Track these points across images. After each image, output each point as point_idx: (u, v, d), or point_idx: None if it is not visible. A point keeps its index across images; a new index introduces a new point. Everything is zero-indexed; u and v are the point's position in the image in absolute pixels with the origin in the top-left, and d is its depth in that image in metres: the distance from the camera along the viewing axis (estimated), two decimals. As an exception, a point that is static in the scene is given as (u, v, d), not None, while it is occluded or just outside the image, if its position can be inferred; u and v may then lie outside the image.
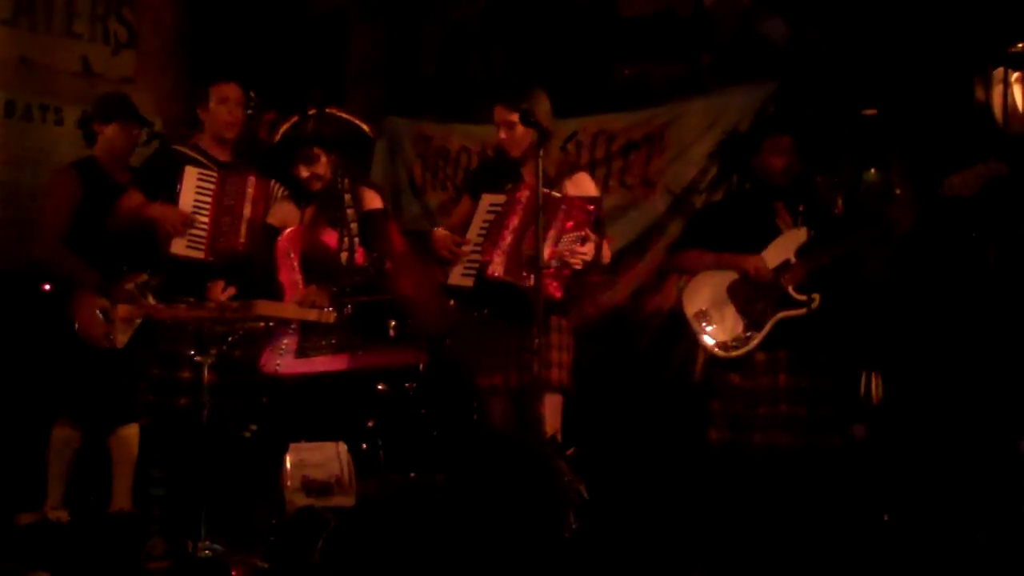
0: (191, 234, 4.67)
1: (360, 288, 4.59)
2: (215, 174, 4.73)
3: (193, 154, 4.82)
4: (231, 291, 4.65)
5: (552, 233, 4.32)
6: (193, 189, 4.69)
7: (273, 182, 4.80)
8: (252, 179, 4.72)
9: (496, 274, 4.39)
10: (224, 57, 6.36)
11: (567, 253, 4.34)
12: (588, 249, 4.37)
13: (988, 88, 5.15)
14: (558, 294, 4.34)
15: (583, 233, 4.36)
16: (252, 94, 4.95)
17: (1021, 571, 4.22)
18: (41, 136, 6.21)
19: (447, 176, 6.69)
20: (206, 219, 4.68)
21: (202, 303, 4.43)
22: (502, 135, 4.55)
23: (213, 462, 4.34)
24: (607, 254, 4.56)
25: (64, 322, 4.94)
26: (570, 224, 4.35)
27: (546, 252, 4.23)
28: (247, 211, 4.70)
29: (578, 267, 4.39)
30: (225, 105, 4.79)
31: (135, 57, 6.59)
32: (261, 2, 6.97)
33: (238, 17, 6.78)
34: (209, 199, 4.69)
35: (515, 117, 4.46)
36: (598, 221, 4.48)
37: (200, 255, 4.67)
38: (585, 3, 6.66)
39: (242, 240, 4.69)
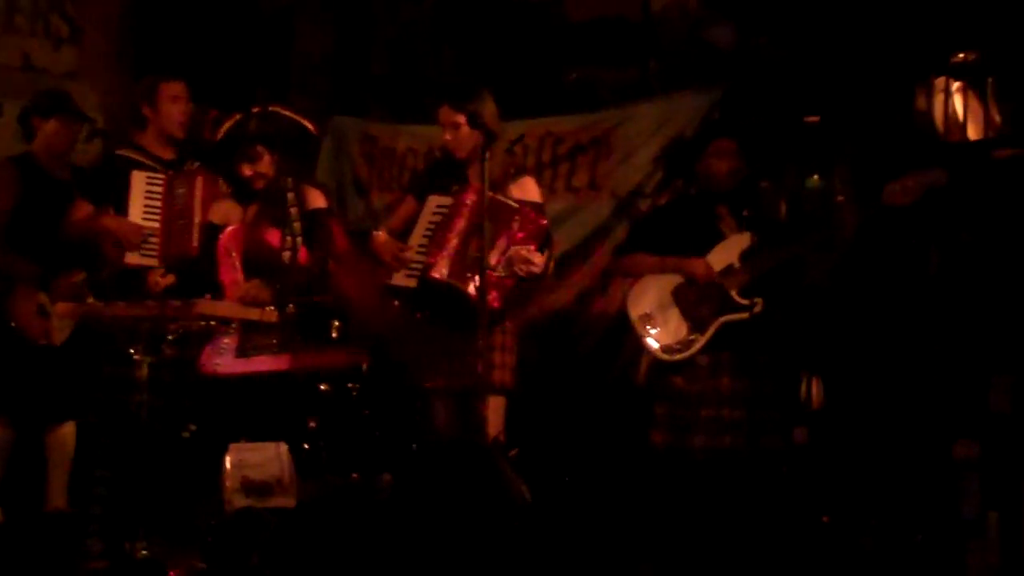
0: (144, 242, 4.64)
1: (303, 288, 4.56)
2: (163, 177, 4.68)
3: (138, 157, 4.78)
4: (170, 278, 4.60)
5: (501, 242, 4.32)
6: (142, 195, 4.66)
7: (220, 180, 4.76)
8: (200, 180, 4.68)
9: (439, 276, 4.37)
10: (170, 54, 6.30)
11: (516, 261, 4.34)
12: (538, 261, 4.37)
13: (930, 97, 5.22)
14: (496, 304, 4.33)
15: (532, 246, 4.36)
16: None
17: (958, 573, 4.28)
18: (-22, 130, 6.12)
19: (393, 177, 6.66)
20: (157, 224, 4.65)
21: (142, 301, 4.38)
22: (447, 136, 4.54)
23: (152, 461, 4.30)
24: (550, 268, 4.57)
25: (1, 319, 4.87)
26: (521, 235, 4.36)
27: (492, 258, 4.23)
28: (197, 213, 4.66)
29: (523, 276, 4.39)
30: (177, 104, 4.75)
31: (78, 52, 6.52)
32: (209, -2, 6.92)
33: (185, 13, 6.72)
34: (159, 203, 4.66)
35: (461, 118, 4.46)
36: (548, 235, 4.49)
37: (154, 262, 4.65)
38: (535, 6, 6.67)
39: (195, 244, 4.65)
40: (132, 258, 4.63)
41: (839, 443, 4.99)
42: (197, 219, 4.65)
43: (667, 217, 4.88)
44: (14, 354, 4.90)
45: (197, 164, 4.81)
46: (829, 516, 4.69)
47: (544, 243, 4.43)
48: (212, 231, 4.64)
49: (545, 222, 4.46)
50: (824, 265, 4.50)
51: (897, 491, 4.68)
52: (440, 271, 4.36)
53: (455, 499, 3.80)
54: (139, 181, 4.66)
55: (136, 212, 4.64)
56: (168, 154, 4.79)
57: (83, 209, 4.69)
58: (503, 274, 4.33)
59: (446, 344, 4.47)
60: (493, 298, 4.28)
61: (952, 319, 4.86)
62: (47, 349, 4.88)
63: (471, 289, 4.29)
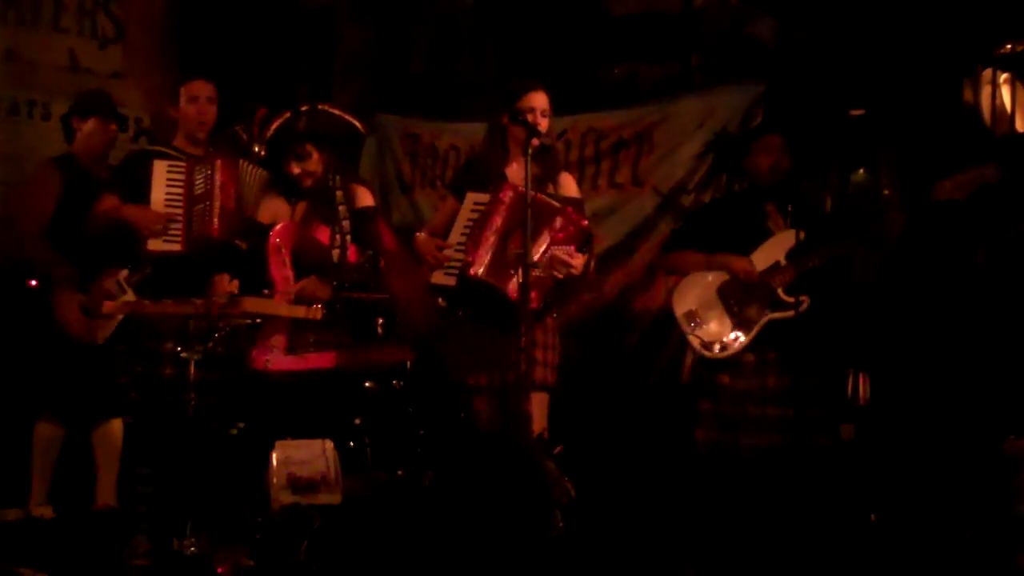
0: (167, 229, 4.63)
1: (356, 285, 4.57)
2: (183, 164, 4.67)
3: (164, 149, 4.78)
4: (235, 284, 4.60)
5: (542, 241, 4.31)
6: (164, 182, 4.64)
7: (244, 163, 4.74)
8: (219, 163, 4.65)
9: (477, 274, 4.36)
10: (213, 52, 6.34)
11: (556, 264, 4.33)
12: (577, 264, 4.36)
13: (976, 89, 5.17)
14: (535, 304, 4.31)
15: (572, 247, 4.35)
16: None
17: (1007, 571, 4.22)
18: (28, 131, 6.18)
19: (435, 175, 6.68)
20: (180, 211, 4.63)
21: (188, 299, 4.40)
22: (544, 122, 4.47)
23: (199, 459, 4.32)
24: (591, 268, 4.55)
25: (46, 318, 4.92)
26: (562, 236, 4.34)
27: (534, 256, 4.22)
28: (218, 197, 4.63)
29: (560, 278, 4.38)
30: (195, 104, 4.74)
31: (123, 52, 6.57)
32: (251, -2, 6.96)
33: (227, 12, 6.75)
34: (180, 190, 4.64)
35: (548, 105, 4.46)
36: (589, 236, 4.47)
37: (177, 247, 4.63)
38: (575, 2, 6.65)
39: (215, 227, 4.63)
40: (155, 244, 4.61)
41: (887, 440, 4.95)
42: (218, 202, 4.62)
43: (715, 214, 4.86)
44: (59, 353, 4.94)
45: (223, 152, 4.78)
46: (877, 514, 4.64)
47: (584, 244, 4.41)
48: (261, 229, 4.65)
49: (586, 223, 4.44)
50: (872, 262, 4.45)
51: (946, 489, 4.63)
52: (477, 269, 4.35)
53: (499, 496, 3.80)
54: (160, 170, 4.66)
55: (158, 200, 4.63)
56: (196, 151, 4.78)
57: (107, 202, 4.69)
58: (542, 274, 4.32)
59: (488, 341, 4.46)
60: (533, 298, 4.26)
61: (1000, 314, 4.81)
62: (91, 347, 4.91)
63: (511, 287, 4.27)
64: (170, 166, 4.67)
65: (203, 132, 4.78)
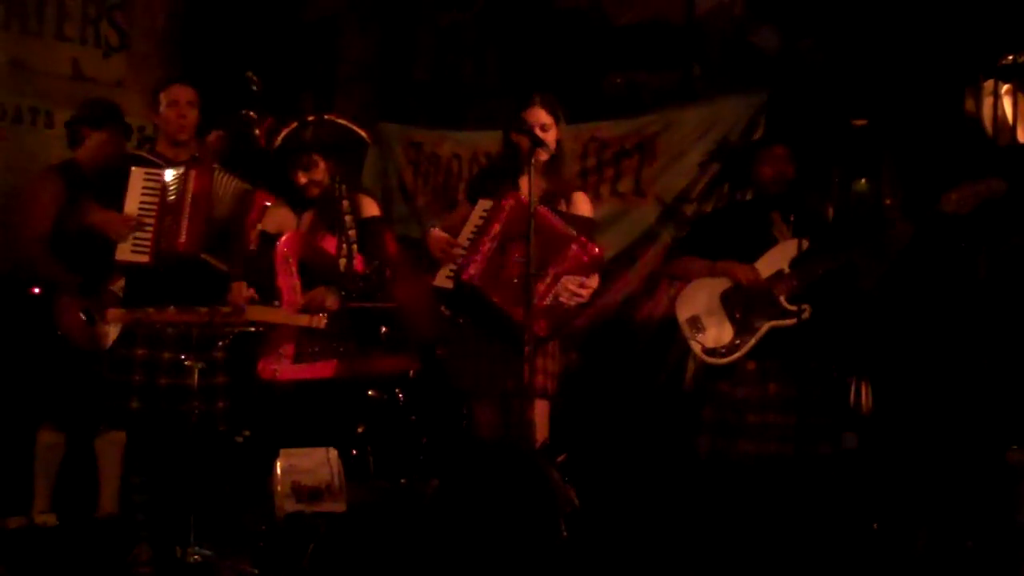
0: (137, 238, 4.53)
1: (363, 294, 4.57)
2: (159, 172, 4.60)
3: (144, 155, 4.75)
4: (251, 293, 4.58)
5: (554, 270, 4.30)
6: (139, 190, 4.56)
7: (219, 172, 4.64)
8: (193, 173, 4.58)
9: (470, 279, 4.34)
10: (216, 61, 6.35)
11: (564, 294, 4.33)
12: (585, 293, 4.36)
13: (978, 99, 5.18)
14: (543, 333, 4.31)
15: (584, 278, 4.35)
16: (254, 78, 4.86)
17: (1010, 580, 4.23)
18: (31, 139, 6.19)
19: (438, 183, 6.69)
20: (152, 220, 4.54)
21: (192, 307, 4.40)
22: (543, 135, 4.47)
23: (202, 467, 4.32)
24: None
25: (49, 326, 4.92)
26: (573, 265, 4.33)
27: (540, 287, 4.22)
28: (187, 207, 4.53)
29: (569, 306, 4.38)
30: (174, 108, 4.68)
31: (126, 61, 6.59)
32: (254, 7, 6.96)
33: (230, 22, 6.76)
34: (155, 199, 4.56)
35: (551, 120, 4.45)
36: (600, 264, 4.47)
37: (145, 259, 4.53)
38: (577, 11, 6.67)
39: (182, 239, 4.52)
40: (123, 254, 4.51)
41: (889, 449, 4.95)
42: (186, 213, 4.52)
43: (719, 222, 4.87)
44: (61, 361, 4.94)
45: (200, 161, 4.69)
46: (879, 523, 4.64)
47: (596, 270, 4.42)
48: (267, 239, 4.65)
49: (598, 251, 4.41)
50: (875, 272, 4.46)
51: (949, 497, 4.63)
52: (469, 272, 4.34)
53: (502, 504, 3.80)
54: (137, 177, 4.57)
55: (132, 208, 4.54)
56: (181, 156, 4.70)
57: (83, 204, 4.66)
58: (552, 303, 4.32)
59: (490, 349, 4.46)
60: (540, 327, 4.26)
61: (1002, 323, 4.81)
62: (94, 355, 4.91)
63: (503, 297, 4.26)
64: (147, 174, 4.59)
65: (184, 135, 4.70)
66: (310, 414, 4.52)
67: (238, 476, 4.42)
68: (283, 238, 4.58)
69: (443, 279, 4.47)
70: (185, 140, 4.72)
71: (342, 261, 4.48)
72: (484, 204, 4.48)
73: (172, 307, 4.34)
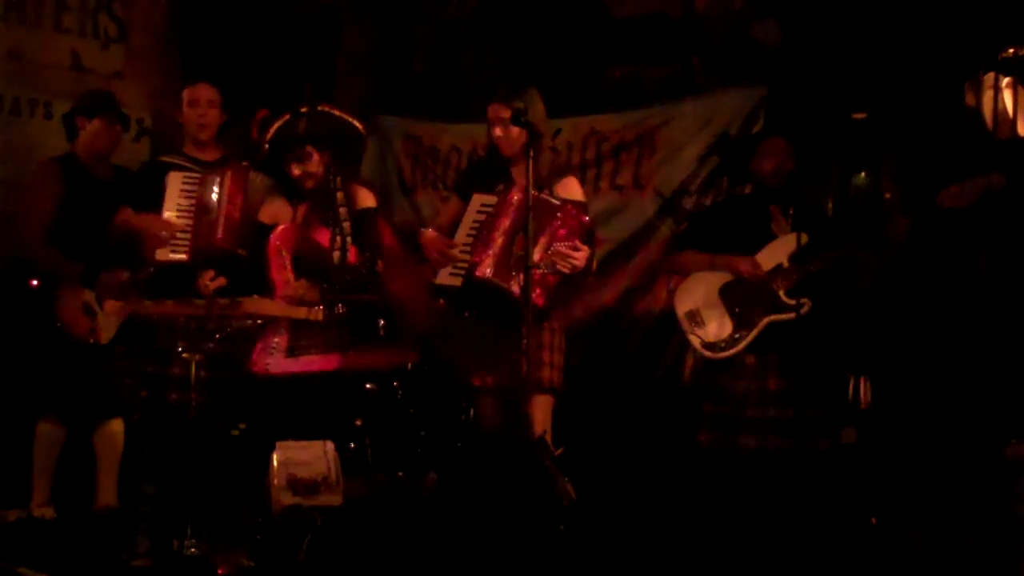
0: (175, 239, 4.64)
1: (352, 287, 4.56)
2: (197, 176, 4.70)
3: (178, 160, 4.80)
4: (220, 281, 4.61)
5: (544, 239, 4.31)
6: (176, 194, 4.67)
7: (252, 172, 4.73)
8: (229, 174, 4.67)
9: (485, 275, 4.36)
10: (215, 53, 6.35)
11: (557, 258, 4.32)
12: (580, 256, 4.35)
13: (978, 93, 5.15)
14: (540, 301, 4.31)
15: (575, 242, 4.35)
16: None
17: (1008, 575, 4.23)
18: (30, 130, 6.18)
19: (437, 176, 6.67)
20: (189, 222, 4.65)
21: (190, 300, 4.41)
22: (497, 132, 4.52)
23: (200, 460, 4.32)
24: (594, 265, 4.56)
25: (48, 318, 4.92)
26: (563, 232, 4.34)
27: (536, 255, 4.21)
28: (224, 206, 4.63)
29: (566, 272, 4.37)
30: (195, 108, 4.76)
31: (125, 52, 6.58)
32: (252, -2, 6.96)
33: (229, 13, 6.75)
34: (192, 202, 4.66)
35: (509, 115, 4.44)
36: (590, 232, 4.47)
37: (183, 257, 4.63)
38: (577, 4, 6.65)
39: (219, 235, 4.63)
40: (163, 254, 4.63)
41: (888, 443, 4.95)
42: (223, 211, 4.62)
43: (719, 216, 4.87)
44: (61, 353, 4.94)
45: (234, 162, 4.79)
46: (877, 517, 4.64)
47: (586, 240, 4.41)
48: (262, 230, 4.65)
49: (587, 219, 4.44)
50: (875, 267, 4.46)
51: (947, 492, 4.63)
52: (484, 270, 4.35)
53: (500, 497, 3.80)
54: (175, 181, 4.68)
55: (170, 211, 4.65)
56: (208, 156, 4.80)
57: (122, 214, 4.71)
58: (546, 271, 4.32)
59: (493, 343, 4.46)
60: (537, 295, 4.26)
61: (1002, 318, 4.81)
62: (93, 347, 4.92)
63: (515, 288, 4.27)
64: (185, 178, 4.70)
65: (205, 135, 4.79)
66: (307, 407, 4.51)
67: (235, 469, 4.42)
68: (276, 230, 4.58)
69: (446, 277, 4.46)
70: (206, 140, 4.79)
71: (336, 254, 4.49)
72: (481, 199, 4.48)
73: (169, 300, 4.36)
